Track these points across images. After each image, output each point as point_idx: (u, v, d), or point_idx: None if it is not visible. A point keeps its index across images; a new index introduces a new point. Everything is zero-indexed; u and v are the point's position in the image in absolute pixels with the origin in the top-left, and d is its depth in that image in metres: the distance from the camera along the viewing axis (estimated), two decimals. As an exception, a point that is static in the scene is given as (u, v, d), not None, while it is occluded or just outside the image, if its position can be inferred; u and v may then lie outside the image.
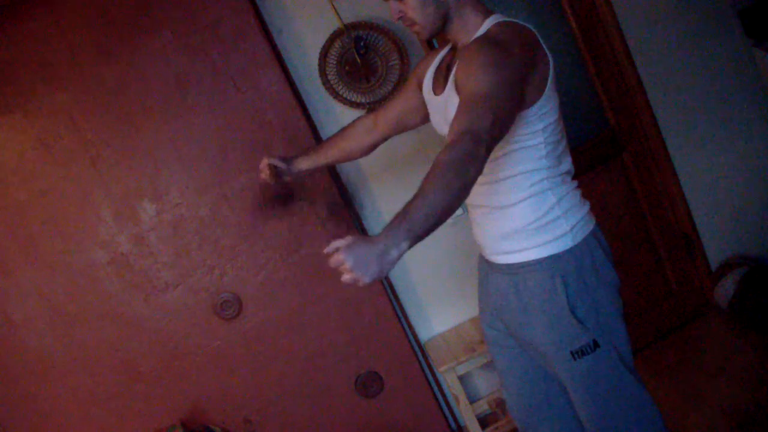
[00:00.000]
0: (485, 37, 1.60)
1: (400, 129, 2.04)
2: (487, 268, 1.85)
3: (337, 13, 2.62)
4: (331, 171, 2.70)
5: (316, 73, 2.67)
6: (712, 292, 3.04)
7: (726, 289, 2.95)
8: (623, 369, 1.71)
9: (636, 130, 2.91)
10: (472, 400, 2.97)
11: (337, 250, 1.31)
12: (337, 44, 2.65)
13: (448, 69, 1.72)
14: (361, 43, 2.64)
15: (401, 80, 2.69)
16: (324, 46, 2.65)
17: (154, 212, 2.58)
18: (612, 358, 1.69)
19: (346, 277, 1.28)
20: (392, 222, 1.30)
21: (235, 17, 2.50)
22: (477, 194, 1.73)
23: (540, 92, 1.63)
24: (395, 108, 2.01)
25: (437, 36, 1.78)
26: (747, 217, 3.06)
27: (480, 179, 1.46)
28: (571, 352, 1.67)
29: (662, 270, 3.03)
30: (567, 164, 1.71)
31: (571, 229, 1.67)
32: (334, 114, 2.73)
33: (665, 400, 2.70)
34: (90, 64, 2.47)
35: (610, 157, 2.91)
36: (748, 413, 2.46)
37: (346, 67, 2.67)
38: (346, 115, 2.69)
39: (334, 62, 2.66)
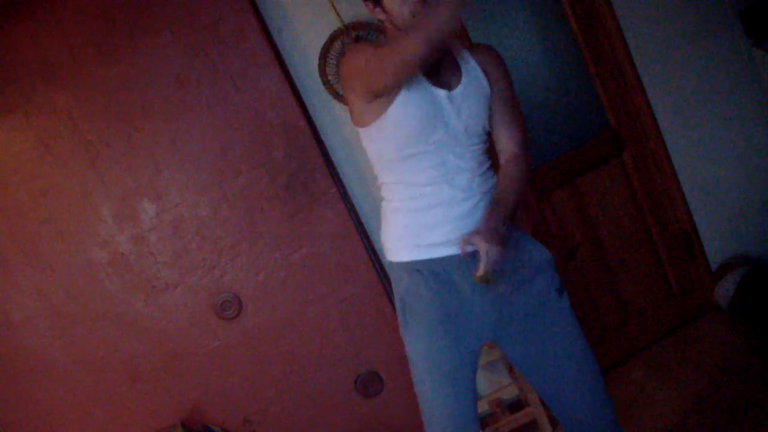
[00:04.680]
0: (491, 47, 1.92)
1: None
2: (457, 266, 1.80)
3: (337, 13, 2.62)
4: (332, 171, 2.70)
5: (316, 73, 2.67)
6: (712, 292, 3.04)
7: (726, 289, 2.95)
8: None
9: (636, 130, 2.91)
10: (472, 400, 2.96)
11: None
12: (337, 44, 2.65)
13: (445, 64, 1.77)
14: (362, 43, 2.64)
15: (401, 80, 2.68)
16: (324, 46, 2.65)
17: (154, 212, 2.58)
18: None
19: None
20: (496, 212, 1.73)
21: (235, 17, 2.50)
22: (485, 181, 1.83)
23: None
24: None
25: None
26: (747, 217, 3.06)
27: (484, 166, 1.82)
28: (557, 290, 1.89)
29: (662, 270, 3.03)
30: None
31: None
32: (334, 114, 2.73)
33: (665, 400, 2.71)
34: (90, 64, 2.47)
35: (610, 157, 2.91)
36: (747, 413, 2.46)
37: (346, 67, 2.67)
38: (346, 115, 2.69)
39: (334, 62, 2.66)
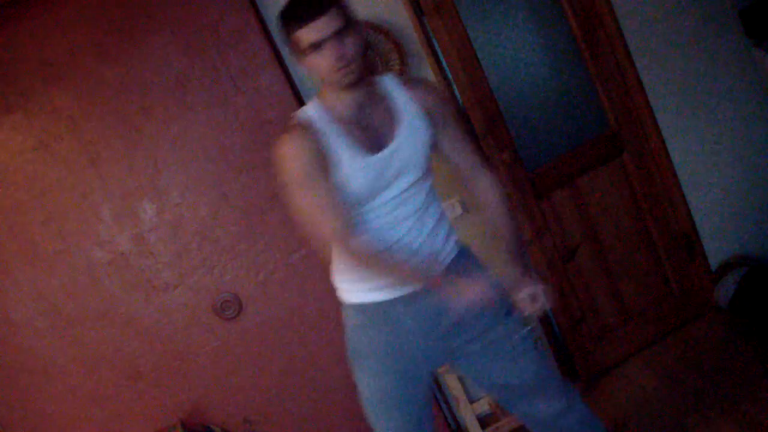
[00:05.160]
0: (429, 83, 1.95)
1: None
2: (402, 307, 1.85)
3: (337, 13, 2.62)
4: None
5: (316, 73, 2.67)
6: (712, 292, 3.04)
7: (726, 289, 2.95)
8: None
9: (636, 130, 2.91)
10: (472, 400, 2.96)
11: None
12: (337, 44, 2.65)
13: (380, 123, 1.77)
14: (361, 43, 2.64)
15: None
16: (324, 46, 2.64)
17: (154, 212, 2.58)
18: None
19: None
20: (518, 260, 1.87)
21: (235, 17, 2.50)
22: (431, 216, 1.85)
23: None
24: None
25: (356, 84, 1.72)
26: (747, 217, 3.06)
27: (428, 198, 1.85)
28: (505, 314, 1.91)
29: (662, 270, 3.03)
30: None
31: None
32: (334, 114, 2.73)
33: (665, 400, 2.71)
34: (90, 64, 2.47)
35: (610, 157, 2.91)
36: (747, 413, 2.46)
37: (346, 67, 2.67)
38: (346, 115, 2.69)
39: (334, 62, 2.66)
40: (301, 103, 2.65)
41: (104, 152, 2.53)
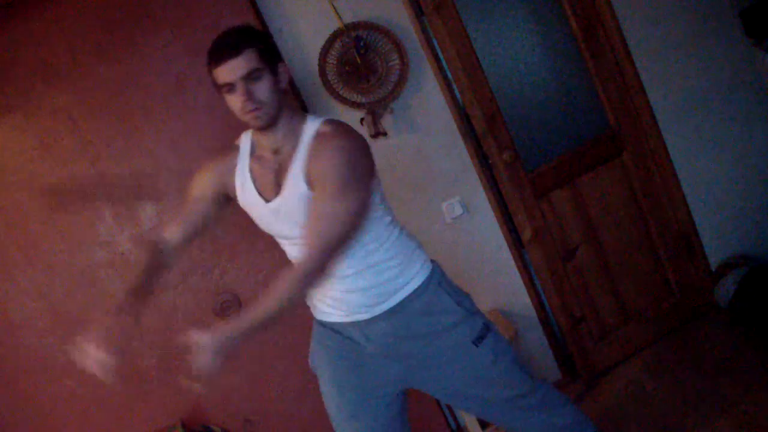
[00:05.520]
0: (338, 144, 1.70)
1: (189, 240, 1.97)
2: (357, 331, 1.91)
3: (337, 13, 2.62)
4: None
5: (316, 73, 2.67)
6: (712, 292, 3.04)
7: (726, 289, 2.95)
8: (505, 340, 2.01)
9: (636, 130, 2.91)
10: (472, 400, 2.96)
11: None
12: (337, 44, 2.65)
13: (278, 173, 1.78)
14: (361, 43, 2.64)
15: (401, 80, 2.68)
16: (324, 46, 2.65)
17: (154, 212, 2.58)
18: (499, 334, 1.98)
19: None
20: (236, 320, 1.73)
21: (235, 17, 2.50)
22: (348, 266, 1.83)
23: (374, 177, 1.81)
24: (186, 228, 1.91)
25: (267, 128, 1.75)
26: (747, 217, 3.06)
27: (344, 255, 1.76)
28: (473, 342, 1.90)
29: (662, 270, 3.03)
30: (391, 212, 1.92)
31: (422, 251, 1.96)
32: (334, 114, 2.73)
33: (665, 400, 2.71)
34: (90, 64, 2.47)
35: (610, 157, 2.91)
36: (747, 413, 2.46)
37: (346, 67, 2.67)
38: (346, 115, 2.69)
39: (334, 62, 2.66)
40: (301, 103, 2.65)
41: (104, 152, 2.53)
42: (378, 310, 1.87)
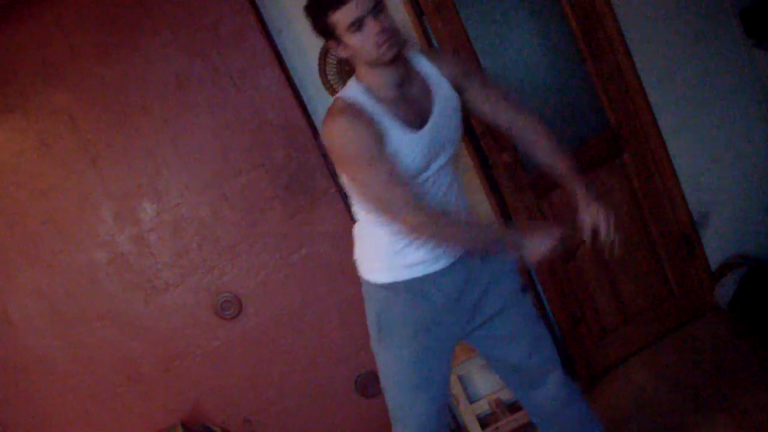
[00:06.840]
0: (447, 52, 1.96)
1: None
2: (457, 274, 1.90)
3: (337, 13, 2.62)
4: (332, 171, 2.70)
5: (316, 73, 2.67)
6: (712, 292, 3.04)
7: (726, 289, 2.95)
8: None
9: (636, 130, 2.91)
10: (472, 400, 2.97)
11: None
12: (337, 44, 2.65)
13: (418, 99, 1.78)
14: (361, 43, 2.64)
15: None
16: (324, 46, 2.65)
17: (154, 212, 2.58)
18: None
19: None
20: None
21: (235, 17, 2.50)
22: (460, 190, 1.92)
23: None
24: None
25: (397, 59, 1.73)
26: (747, 217, 3.06)
27: (458, 172, 1.91)
28: (521, 290, 2.03)
29: (662, 270, 3.03)
30: None
31: None
32: (334, 114, 2.73)
33: (665, 400, 2.71)
34: (90, 64, 2.47)
35: (610, 157, 2.91)
36: (747, 413, 2.46)
37: (346, 67, 2.67)
38: (346, 115, 2.68)
39: (334, 62, 2.66)
40: (301, 103, 2.65)
41: (104, 152, 2.53)
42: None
